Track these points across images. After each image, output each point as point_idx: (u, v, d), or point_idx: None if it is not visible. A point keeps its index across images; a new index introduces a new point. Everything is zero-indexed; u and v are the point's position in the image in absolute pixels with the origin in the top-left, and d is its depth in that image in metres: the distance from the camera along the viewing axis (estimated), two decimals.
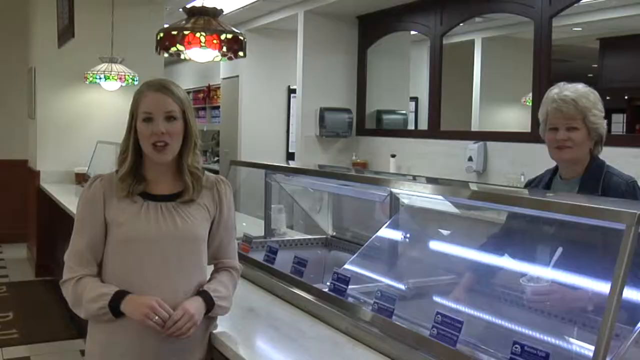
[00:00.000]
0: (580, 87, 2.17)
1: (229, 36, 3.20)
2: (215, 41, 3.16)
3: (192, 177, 1.89)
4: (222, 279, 1.97)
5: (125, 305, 1.77)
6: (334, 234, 3.34)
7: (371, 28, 6.73)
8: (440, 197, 2.18)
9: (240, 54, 3.30)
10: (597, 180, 2.13)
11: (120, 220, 1.83)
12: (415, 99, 8.14)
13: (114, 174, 1.90)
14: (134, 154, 1.87)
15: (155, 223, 1.83)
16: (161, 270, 1.83)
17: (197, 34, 3.13)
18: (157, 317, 1.73)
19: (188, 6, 3.32)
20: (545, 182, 2.28)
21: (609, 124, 8.41)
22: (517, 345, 1.45)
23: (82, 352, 4.45)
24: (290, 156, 8.15)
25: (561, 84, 2.21)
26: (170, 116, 1.84)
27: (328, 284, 2.15)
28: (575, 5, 4.79)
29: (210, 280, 1.95)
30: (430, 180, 2.36)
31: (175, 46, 3.18)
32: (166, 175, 1.90)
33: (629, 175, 2.15)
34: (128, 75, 5.93)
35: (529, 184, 2.42)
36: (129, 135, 1.87)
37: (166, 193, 1.89)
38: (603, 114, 2.17)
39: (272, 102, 8.27)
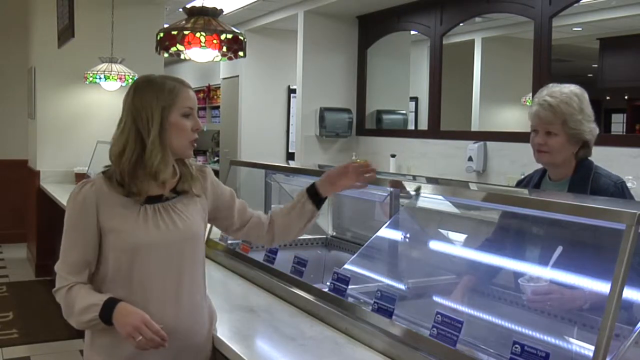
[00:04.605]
0: (566, 90, 2.13)
1: (229, 36, 3.20)
2: (215, 41, 3.16)
3: (185, 167, 1.87)
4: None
5: (114, 317, 1.69)
6: (334, 234, 3.34)
7: (371, 28, 6.73)
8: (440, 197, 2.18)
9: (240, 54, 3.30)
10: (585, 181, 2.13)
11: (118, 227, 1.75)
12: (415, 99, 8.13)
13: (102, 176, 1.79)
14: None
15: (155, 227, 1.77)
16: (164, 272, 1.78)
17: (197, 34, 3.13)
18: (140, 337, 1.65)
19: (188, 6, 3.32)
20: (534, 182, 2.28)
21: (609, 124, 8.45)
22: (517, 345, 1.45)
23: (82, 352, 4.45)
24: (290, 156, 8.15)
25: (550, 85, 2.19)
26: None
27: (328, 284, 2.15)
28: (575, 5, 4.79)
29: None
30: (430, 180, 2.36)
31: (175, 46, 3.17)
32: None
33: (617, 176, 2.14)
34: (128, 75, 5.93)
35: (519, 184, 2.42)
36: (160, 131, 1.75)
37: (160, 193, 1.81)
38: (591, 118, 2.14)
39: (272, 102, 8.28)
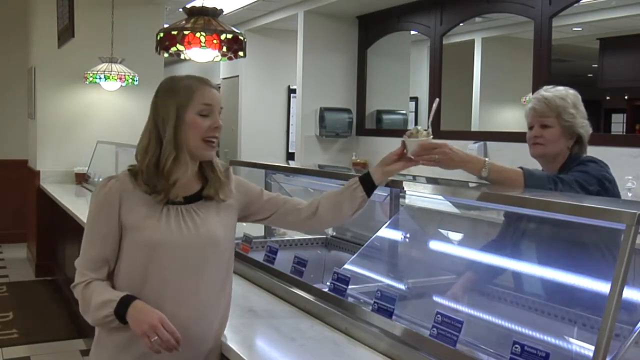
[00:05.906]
0: (561, 88, 2.21)
1: (229, 36, 3.20)
2: (215, 41, 3.16)
3: (214, 173, 1.85)
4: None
5: (129, 315, 1.66)
6: (334, 234, 3.33)
7: (371, 28, 6.73)
8: (440, 197, 2.18)
9: (240, 54, 3.30)
10: (570, 169, 2.14)
11: (139, 224, 1.74)
12: (415, 99, 8.13)
13: (128, 173, 1.79)
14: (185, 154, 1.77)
15: (175, 227, 1.75)
16: (181, 274, 1.76)
17: (197, 34, 3.13)
18: (156, 337, 1.62)
19: (188, 6, 3.32)
20: None
21: (609, 124, 8.45)
22: (517, 345, 1.45)
23: (82, 352, 4.46)
24: (290, 156, 8.15)
25: (545, 87, 2.25)
26: (219, 112, 1.82)
27: (328, 284, 2.15)
28: (575, 5, 4.79)
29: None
30: (430, 180, 2.36)
31: (175, 46, 3.17)
32: (190, 175, 1.82)
33: (607, 176, 2.11)
34: (128, 75, 5.93)
35: None
36: (175, 131, 1.74)
37: (186, 194, 1.80)
38: (583, 115, 2.18)
39: (272, 102, 8.28)
